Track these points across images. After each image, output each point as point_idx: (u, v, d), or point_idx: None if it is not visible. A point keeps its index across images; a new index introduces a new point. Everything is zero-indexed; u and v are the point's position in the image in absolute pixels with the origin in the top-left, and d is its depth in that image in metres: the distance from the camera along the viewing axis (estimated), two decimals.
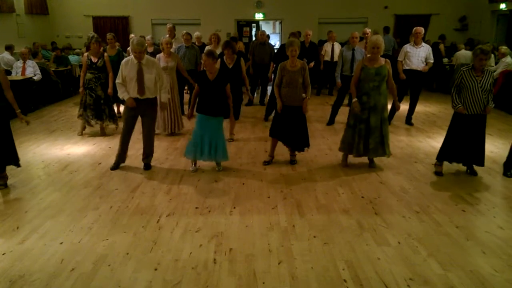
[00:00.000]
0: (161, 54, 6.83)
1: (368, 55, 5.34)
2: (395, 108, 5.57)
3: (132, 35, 9.61)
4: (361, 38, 8.71)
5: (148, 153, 5.52)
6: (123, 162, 5.58)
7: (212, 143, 5.17)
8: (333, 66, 9.63)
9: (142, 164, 5.53)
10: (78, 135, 7.16)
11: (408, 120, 7.93)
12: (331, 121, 7.92)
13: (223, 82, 5.16)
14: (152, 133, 5.52)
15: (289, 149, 5.76)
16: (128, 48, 9.27)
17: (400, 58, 7.65)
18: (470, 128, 5.03)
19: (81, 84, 6.93)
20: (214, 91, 5.10)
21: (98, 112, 6.94)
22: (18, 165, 5.00)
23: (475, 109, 4.96)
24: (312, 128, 7.55)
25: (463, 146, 5.08)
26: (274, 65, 9.41)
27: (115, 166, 5.48)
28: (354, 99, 5.33)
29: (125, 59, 5.24)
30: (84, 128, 7.21)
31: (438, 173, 5.30)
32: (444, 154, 5.26)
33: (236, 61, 6.43)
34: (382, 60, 5.20)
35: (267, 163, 5.69)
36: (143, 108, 5.25)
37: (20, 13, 12.30)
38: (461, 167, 5.40)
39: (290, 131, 5.40)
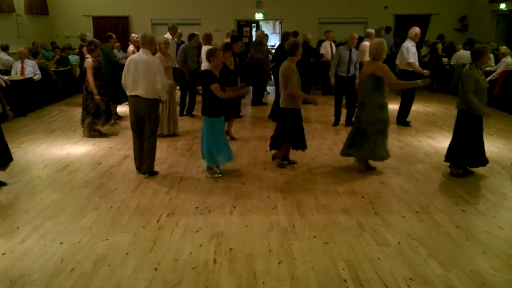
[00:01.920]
0: (158, 54, 6.52)
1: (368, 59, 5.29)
2: (405, 109, 5.49)
3: (132, 35, 9.56)
4: (361, 39, 8.73)
5: None
6: None
7: (214, 144, 5.10)
8: None
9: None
10: (86, 136, 7.01)
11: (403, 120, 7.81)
12: (336, 122, 7.82)
13: (227, 83, 5.12)
14: None
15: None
16: (129, 48, 9.23)
17: (411, 60, 7.19)
18: (473, 128, 5.03)
19: (95, 92, 6.69)
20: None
21: (96, 113, 6.89)
22: (4, 167, 4.96)
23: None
24: (312, 128, 7.54)
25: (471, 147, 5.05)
26: (273, 64, 9.44)
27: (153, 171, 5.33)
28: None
29: (154, 58, 5.05)
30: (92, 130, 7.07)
31: (456, 175, 5.20)
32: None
33: (235, 62, 6.44)
34: (373, 67, 5.06)
35: (290, 163, 5.65)
36: None
37: (20, 13, 12.28)
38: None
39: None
